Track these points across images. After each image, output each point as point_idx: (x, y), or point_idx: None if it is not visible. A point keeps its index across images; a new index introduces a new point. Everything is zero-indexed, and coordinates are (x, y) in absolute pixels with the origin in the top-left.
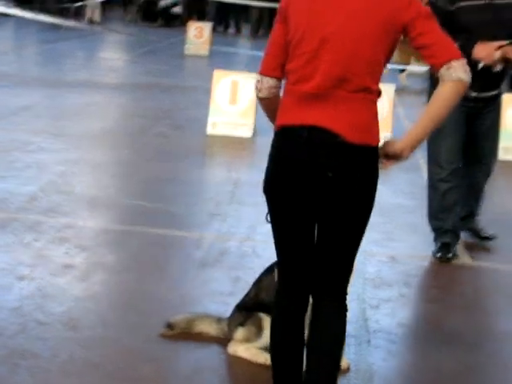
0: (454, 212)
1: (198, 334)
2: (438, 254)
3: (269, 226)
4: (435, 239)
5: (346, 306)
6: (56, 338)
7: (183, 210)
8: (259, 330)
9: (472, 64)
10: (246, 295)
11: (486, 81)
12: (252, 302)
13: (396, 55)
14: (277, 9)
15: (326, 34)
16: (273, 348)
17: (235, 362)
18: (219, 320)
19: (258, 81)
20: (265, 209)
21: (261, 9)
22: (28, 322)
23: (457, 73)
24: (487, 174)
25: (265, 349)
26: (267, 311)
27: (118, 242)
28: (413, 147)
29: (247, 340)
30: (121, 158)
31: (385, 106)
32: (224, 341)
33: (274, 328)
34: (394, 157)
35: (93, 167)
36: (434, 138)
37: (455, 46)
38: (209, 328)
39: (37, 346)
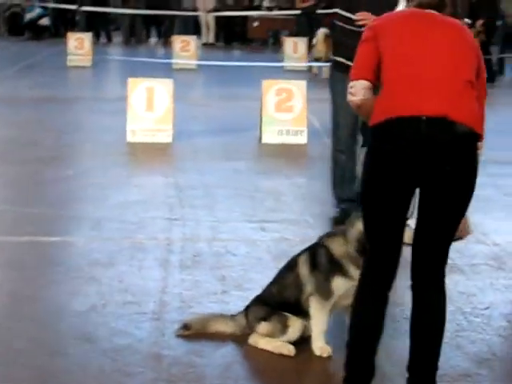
0: (353, 183)
1: (213, 334)
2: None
3: (232, 225)
4: (336, 206)
5: (445, 291)
6: None
7: (140, 217)
8: (284, 327)
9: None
10: (267, 290)
11: None
12: (275, 300)
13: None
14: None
15: None
16: (352, 339)
17: (259, 354)
18: (233, 317)
19: (351, 87)
20: (217, 210)
21: (132, 17)
22: None
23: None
24: None
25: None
26: (292, 311)
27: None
28: None
29: (270, 335)
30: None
31: (299, 102)
32: (239, 338)
33: (356, 319)
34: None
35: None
36: (336, 113)
37: None
38: (225, 326)
39: None
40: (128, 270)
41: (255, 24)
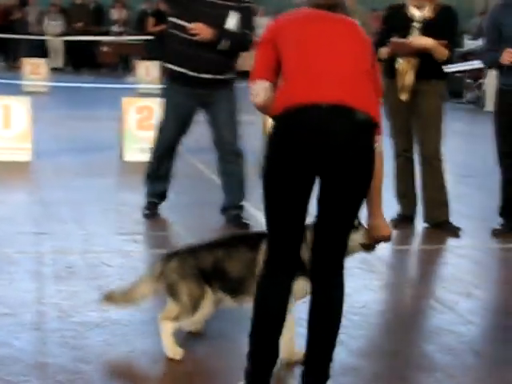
0: (164, 180)
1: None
2: (146, 211)
3: (104, 238)
4: (147, 199)
5: (343, 283)
6: None
7: (5, 232)
8: (193, 308)
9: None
10: (202, 255)
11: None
12: (206, 267)
13: None
14: None
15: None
16: (256, 324)
17: (148, 358)
18: (150, 275)
19: (252, 89)
20: (86, 224)
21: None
22: None
23: (380, 147)
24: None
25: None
26: (217, 278)
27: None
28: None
29: (176, 318)
30: None
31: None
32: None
33: (259, 306)
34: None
35: None
36: (164, 121)
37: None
38: (146, 289)
39: None
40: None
41: (105, 49)
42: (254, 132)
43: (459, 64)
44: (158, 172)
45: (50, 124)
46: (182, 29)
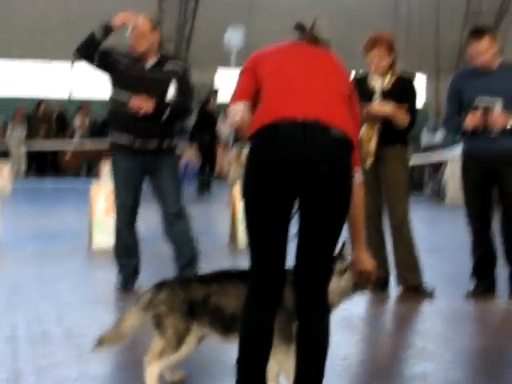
0: (133, 255)
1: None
2: (118, 286)
3: (79, 307)
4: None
5: (329, 308)
6: None
7: None
8: (179, 343)
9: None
10: (194, 288)
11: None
12: (197, 300)
13: None
14: None
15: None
16: (242, 351)
17: None
18: (139, 306)
19: (229, 111)
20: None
21: None
22: None
23: (360, 178)
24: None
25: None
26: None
27: None
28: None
29: (161, 355)
30: None
31: None
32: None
33: (244, 332)
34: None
35: None
36: (117, 194)
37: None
38: (135, 321)
39: None
40: None
41: (67, 157)
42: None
43: (420, 156)
44: (126, 246)
45: (14, 219)
46: (120, 102)
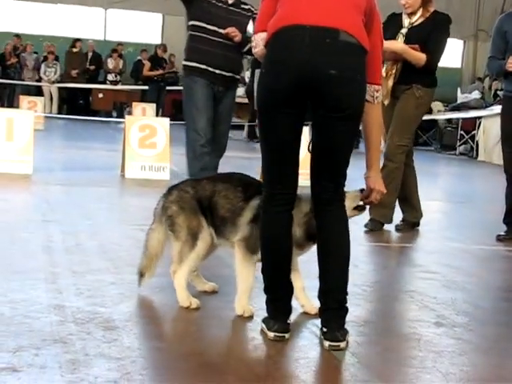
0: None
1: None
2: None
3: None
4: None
5: (345, 210)
6: None
7: (13, 219)
8: (193, 239)
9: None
10: (202, 186)
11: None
12: (205, 197)
13: None
14: None
15: None
16: (265, 258)
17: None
18: (156, 226)
19: (252, 40)
20: (92, 217)
21: None
22: None
23: (380, 96)
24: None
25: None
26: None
27: None
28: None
29: (180, 260)
30: None
31: (162, 139)
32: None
33: (264, 240)
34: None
35: None
36: (191, 111)
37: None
38: (161, 242)
39: None
40: (12, 251)
41: (100, 96)
42: None
43: (453, 114)
44: (201, 163)
45: (47, 151)
46: (206, 31)
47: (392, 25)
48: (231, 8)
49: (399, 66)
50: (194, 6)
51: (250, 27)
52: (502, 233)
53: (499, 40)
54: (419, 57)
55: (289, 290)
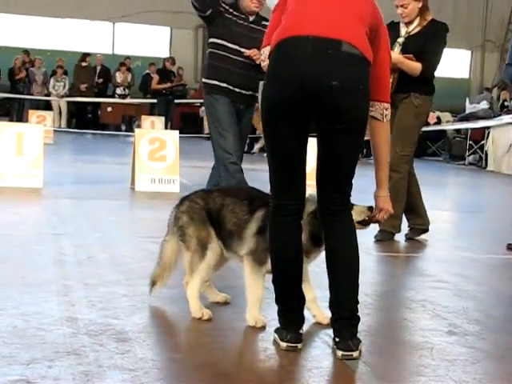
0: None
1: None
2: None
3: (122, 239)
4: None
5: (352, 219)
6: None
7: (24, 232)
8: (203, 250)
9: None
10: (212, 198)
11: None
12: (214, 208)
13: None
14: None
15: None
16: (275, 269)
17: (177, 314)
18: (170, 239)
19: (261, 54)
20: (103, 231)
21: None
22: None
23: (389, 114)
24: None
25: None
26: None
27: None
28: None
29: (191, 271)
30: None
31: (172, 151)
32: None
33: (273, 251)
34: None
35: None
36: (218, 130)
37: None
38: (175, 254)
39: None
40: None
41: (109, 109)
42: None
43: (461, 124)
44: (234, 179)
45: (57, 165)
46: (227, 49)
47: (390, 34)
48: (252, 25)
49: (396, 75)
50: (215, 24)
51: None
52: None
53: None
54: (414, 66)
55: (300, 300)
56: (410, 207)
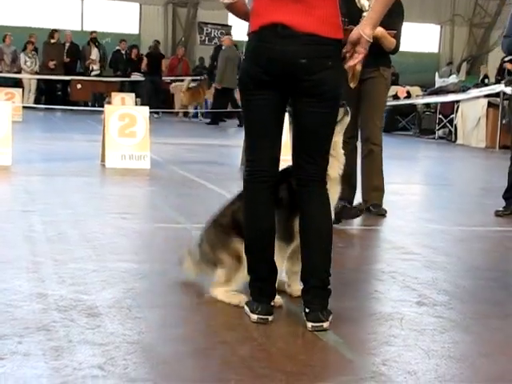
0: None
1: None
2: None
3: (93, 215)
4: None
5: (326, 188)
6: None
7: None
8: (238, 263)
9: None
10: (221, 215)
11: None
12: (227, 221)
13: None
14: None
15: None
16: (247, 237)
17: (153, 291)
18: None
19: None
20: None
21: None
22: None
23: None
24: None
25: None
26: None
27: None
28: (372, 26)
29: (228, 281)
30: None
31: (142, 128)
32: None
33: (246, 218)
34: (358, 42)
35: None
36: None
37: None
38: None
39: None
40: None
41: (79, 86)
42: None
43: (431, 98)
44: None
45: (26, 143)
46: None
47: (348, 6)
48: None
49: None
50: None
51: None
52: (501, 208)
53: None
54: (393, 41)
55: (272, 270)
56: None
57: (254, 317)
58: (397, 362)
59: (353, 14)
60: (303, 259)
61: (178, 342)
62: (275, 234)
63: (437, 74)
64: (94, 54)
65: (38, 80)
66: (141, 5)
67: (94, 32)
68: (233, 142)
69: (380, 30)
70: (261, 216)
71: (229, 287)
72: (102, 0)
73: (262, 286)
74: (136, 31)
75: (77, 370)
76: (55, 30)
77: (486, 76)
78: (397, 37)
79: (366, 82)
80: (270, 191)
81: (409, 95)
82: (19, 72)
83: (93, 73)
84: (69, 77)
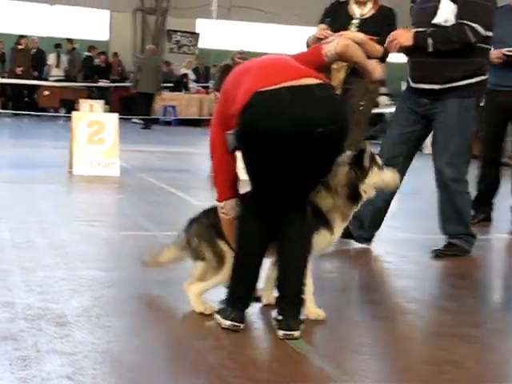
0: None
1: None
2: None
3: (61, 222)
4: None
5: (307, 214)
6: None
7: None
8: (220, 265)
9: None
10: (214, 215)
11: None
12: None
13: None
14: None
15: None
16: (238, 263)
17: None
18: (177, 243)
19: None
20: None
21: None
22: None
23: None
24: None
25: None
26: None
27: None
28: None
29: (203, 278)
30: None
31: (111, 134)
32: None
33: (242, 240)
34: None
35: None
36: None
37: None
38: (172, 254)
39: None
40: None
41: (46, 93)
42: None
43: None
44: None
45: None
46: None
47: (339, 13)
48: None
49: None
50: None
51: None
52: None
53: None
54: (378, 48)
55: (256, 280)
56: None
57: (227, 323)
58: (364, 370)
59: (341, 20)
60: (279, 267)
61: (147, 351)
62: (268, 242)
63: (402, 83)
64: (51, 59)
65: (4, 86)
66: (111, 12)
67: (69, 40)
68: (200, 150)
69: (361, 36)
70: (258, 239)
71: (203, 286)
72: (71, 6)
73: (242, 292)
74: (106, 38)
75: (45, 380)
76: (22, 36)
77: None
78: (382, 43)
79: (351, 92)
80: (273, 219)
81: (377, 104)
82: None
83: (51, 78)
84: (38, 82)
